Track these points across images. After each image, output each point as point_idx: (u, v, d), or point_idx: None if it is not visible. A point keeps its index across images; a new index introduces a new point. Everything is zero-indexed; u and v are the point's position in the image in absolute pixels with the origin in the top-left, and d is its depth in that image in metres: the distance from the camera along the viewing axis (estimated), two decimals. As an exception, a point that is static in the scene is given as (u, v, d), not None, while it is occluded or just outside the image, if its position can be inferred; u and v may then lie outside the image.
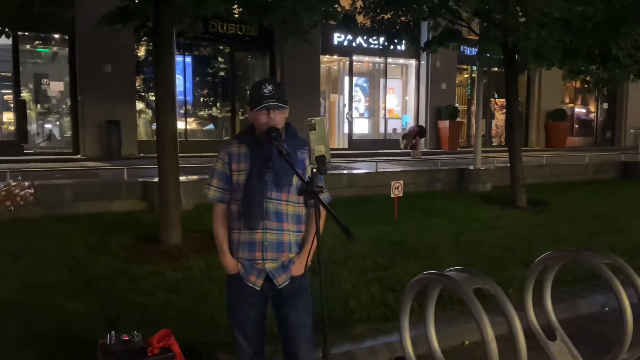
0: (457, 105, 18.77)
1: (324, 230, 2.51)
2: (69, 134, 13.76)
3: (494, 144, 19.94)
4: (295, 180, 2.47)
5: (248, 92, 2.59)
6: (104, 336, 3.02)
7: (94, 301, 4.43)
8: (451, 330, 4.17)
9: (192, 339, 3.76)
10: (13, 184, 2.51)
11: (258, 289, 2.55)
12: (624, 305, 3.23)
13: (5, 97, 13.41)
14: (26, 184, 2.48)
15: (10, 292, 4.55)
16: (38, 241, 6.17)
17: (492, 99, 20.47)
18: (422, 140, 15.40)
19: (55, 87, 13.79)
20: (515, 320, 2.64)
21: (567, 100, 22.78)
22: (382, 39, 9.88)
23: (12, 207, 2.51)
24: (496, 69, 17.44)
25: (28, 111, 13.39)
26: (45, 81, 13.74)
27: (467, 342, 4.16)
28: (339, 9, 6.44)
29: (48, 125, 14.46)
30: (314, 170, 2.26)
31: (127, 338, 2.92)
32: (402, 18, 9.60)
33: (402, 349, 3.40)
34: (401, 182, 7.73)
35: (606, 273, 3.31)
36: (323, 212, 2.43)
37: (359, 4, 9.58)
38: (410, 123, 18.36)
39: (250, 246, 2.50)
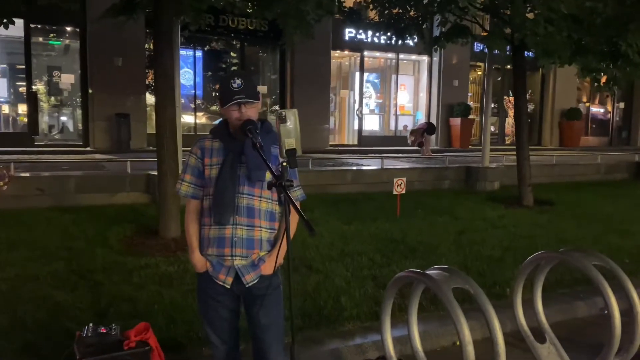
0: (470, 102, 18.59)
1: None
2: (79, 126, 13.88)
3: (507, 143, 19.71)
4: (268, 175, 2.42)
5: (219, 87, 2.53)
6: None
7: (85, 292, 4.43)
8: (443, 330, 4.12)
9: (178, 332, 3.75)
10: None
11: (228, 287, 2.49)
12: (612, 308, 3.14)
13: (19, 89, 13.54)
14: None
15: (3, 280, 4.58)
16: (38, 232, 6.21)
17: (505, 97, 20.23)
18: (432, 137, 15.24)
19: (67, 80, 13.89)
20: (494, 321, 2.58)
21: (584, 99, 22.44)
22: (390, 34, 9.76)
23: None
24: (510, 66, 17.21)
25: (40, 103, 13.53)
26: (56, 74, 13.85)
27: (458, 343, 4.09)
28: (337, 2, 6.36)
29: (59, 118, 14.59)
30: (284, 164, 2.20)
31: (104, 331, 2.91)
32: (410, 13, 9.50)
33: (383, 348, 3.34)
34: (404, 179, 7.65)
35: (595, 275, 3.23)
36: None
37: (368, -2, 9.49)
38: (422, 120, 18.23)
39: (219, 242, 2.44)
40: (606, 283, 3.20)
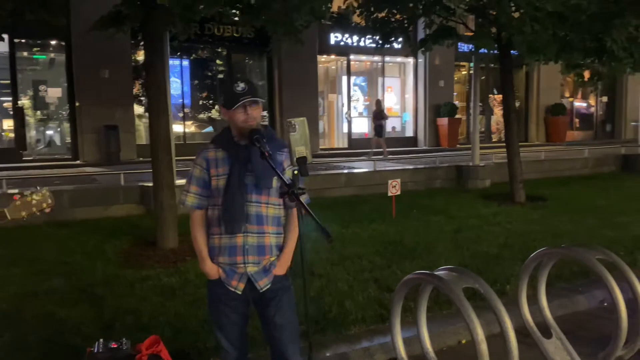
0: (456, 102, 18.73)
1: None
2: (68, 139, 13.77)
3: (494, 140, 19.87)
4: (275, 182, 2.44)
5: (221, 92, 2.59)
6: (94, 343, 3.00)
7: (87, 307, 4.40)
8: (448, 330, 4.14)
9: (184, 343, 3.74)
10: (27, 192, 2.46)
11: (240, 292, 2.53)
12: (618, 302, 3.19)
13: (4, 104, 13.40)
14: (43, 192, 2.43)
15: (3, 299, 4.53)
16: (35, 248, 6.16)
17: (490, 95, 20.42)
18: (382, 139, 15.09)
19: (53, 93, 13.79)
20: (505, 319, 2.61)
21: (567, 94, 22.71)
22: (377, 38, 9.82)
23: (25, 218, 2.43)
24: (494, 65, 17.36)
25: (27, 118, 13.41)
26: (43, 87, 13.74)
27: (463, 341, 4.13)
28: (327, 8, 6.38)
29: (47, 132, 14.45)
30: (295, 172, 2.23)
31: (115, 345, 2.90)
32: (396, 16, 9.55)
33: (394, 350, 3.36)
34: (398, 180, 7.71)
35: (599, 269, 3.28)
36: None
37: (354, 3, 9.53)
38: (410, 121, 18.35)
39: (230, 251, 2.49)
40: (610, 276, 3.26)
